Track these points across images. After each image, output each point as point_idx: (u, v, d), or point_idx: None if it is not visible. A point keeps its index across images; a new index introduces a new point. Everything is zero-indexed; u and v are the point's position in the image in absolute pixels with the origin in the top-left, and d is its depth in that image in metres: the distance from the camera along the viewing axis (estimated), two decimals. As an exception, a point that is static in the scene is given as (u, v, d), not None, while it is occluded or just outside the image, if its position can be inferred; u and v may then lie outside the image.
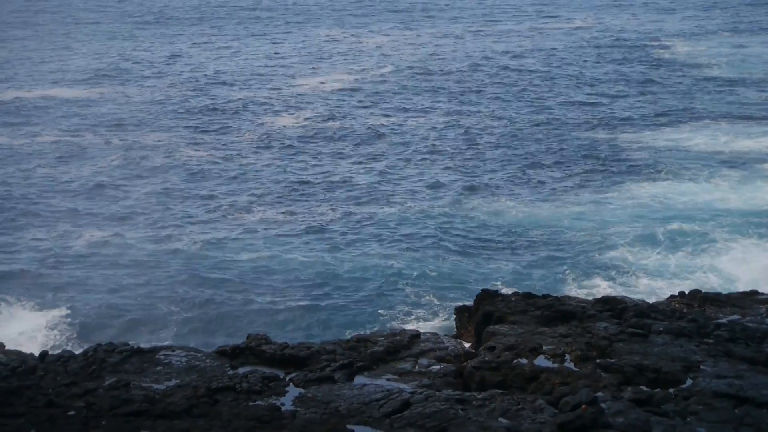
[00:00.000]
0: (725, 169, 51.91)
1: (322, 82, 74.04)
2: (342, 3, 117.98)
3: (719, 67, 78.75)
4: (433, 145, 56.96)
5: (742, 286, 36.05)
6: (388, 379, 26.04)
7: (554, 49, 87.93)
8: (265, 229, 44.43)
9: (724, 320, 30.03)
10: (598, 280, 38.31)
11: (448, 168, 52.81)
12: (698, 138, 57.82)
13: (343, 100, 68.52)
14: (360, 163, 53.03)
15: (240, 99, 68.81)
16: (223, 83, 73.82)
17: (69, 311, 36.23)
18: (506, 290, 34.87)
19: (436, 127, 60.60)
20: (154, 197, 48.77)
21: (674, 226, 43.56)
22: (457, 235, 43.27)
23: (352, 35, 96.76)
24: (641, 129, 60.21)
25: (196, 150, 56.46)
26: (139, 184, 50.82)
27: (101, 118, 64.12)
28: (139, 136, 59.48)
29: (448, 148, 56.22)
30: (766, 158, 53.88)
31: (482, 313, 31.20)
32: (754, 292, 34.48)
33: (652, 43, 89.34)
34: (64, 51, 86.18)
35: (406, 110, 65.41)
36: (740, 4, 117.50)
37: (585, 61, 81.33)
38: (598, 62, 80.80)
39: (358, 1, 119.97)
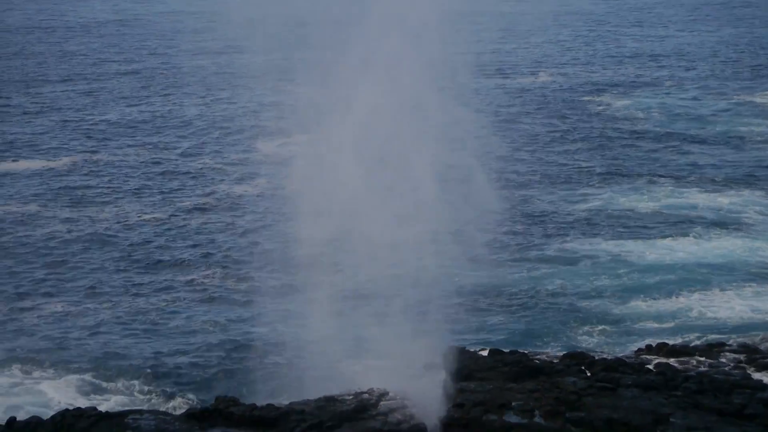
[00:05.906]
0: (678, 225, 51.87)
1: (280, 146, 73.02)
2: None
3: (647, 121, 78.16)
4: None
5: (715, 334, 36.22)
6: (357, 438, 25.95)
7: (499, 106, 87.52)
8: (226, 292, 44.23)
9: (692, 372, 30.22)
10: (570, 333, 38.24)
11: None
12: (640, 195, 57.77)
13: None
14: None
15: (196, 165, 67.98)
16: (177, 147, 72.92)
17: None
18: (474, 347, 34.84)
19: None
20: (108, 265, 48.09)
21: (632, 280, 43.79)
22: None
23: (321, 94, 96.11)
24: (581, 186, 60.05)
25: (145, 215, 55.74)
26: (90, 253, 50.03)
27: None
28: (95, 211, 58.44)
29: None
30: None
31: (451, 370, 31.20)
32: (721, 343, 34.73)
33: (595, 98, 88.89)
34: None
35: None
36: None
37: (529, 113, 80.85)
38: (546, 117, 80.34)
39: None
